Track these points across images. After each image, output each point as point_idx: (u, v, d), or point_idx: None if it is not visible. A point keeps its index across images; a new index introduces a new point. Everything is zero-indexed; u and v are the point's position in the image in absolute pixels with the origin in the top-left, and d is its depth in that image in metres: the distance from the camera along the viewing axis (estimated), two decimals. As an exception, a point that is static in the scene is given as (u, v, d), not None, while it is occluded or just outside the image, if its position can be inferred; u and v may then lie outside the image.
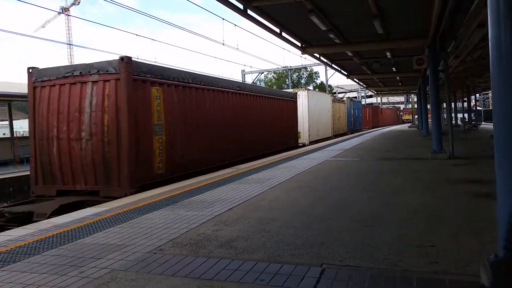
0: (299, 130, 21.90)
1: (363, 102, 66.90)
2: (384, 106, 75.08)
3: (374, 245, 3.73)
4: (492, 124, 2.97)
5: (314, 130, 25.37)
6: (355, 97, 67.63)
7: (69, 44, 68.81)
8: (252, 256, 3.60)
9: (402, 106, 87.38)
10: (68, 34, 73.24)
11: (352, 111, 37.81)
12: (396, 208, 5.26)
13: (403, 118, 76.65)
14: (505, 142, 2.70)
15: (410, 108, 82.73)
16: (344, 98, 37.35)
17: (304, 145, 21.97)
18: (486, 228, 4.07)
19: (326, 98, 30.28)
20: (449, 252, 3.47)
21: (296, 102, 21.31)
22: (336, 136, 29.91)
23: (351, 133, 33.39)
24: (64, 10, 62.18)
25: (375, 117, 50.60)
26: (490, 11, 2.74)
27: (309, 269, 3.23)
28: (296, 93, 22.38)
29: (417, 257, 3.37)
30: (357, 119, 40.10)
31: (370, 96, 73.06)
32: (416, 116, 41.87)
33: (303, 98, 23.87)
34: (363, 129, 41.25)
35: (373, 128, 44.94)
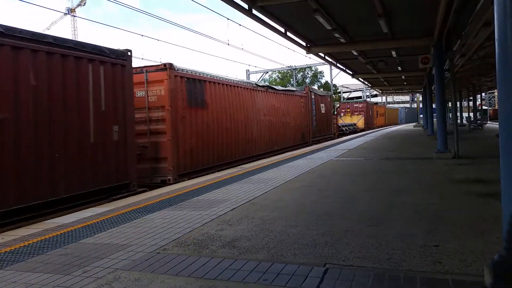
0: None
1: (369, 100, 53.20)
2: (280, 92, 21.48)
3: (378, 245, 3.71)
4: (497, 123, 2.94)
5: None
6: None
7: (75, 45, 68.87)
8: (255, 256, 3.59)
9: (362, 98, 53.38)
10: (74, 35, 73.45)
11: None
12: (400, 207, 5.24)
13: (340, 123, 34.91)
14: (510, 141, 2.67)
15: (358, 102, 45.12)
16: None
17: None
18: (490, 228, 4.04)
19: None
20: (452, 252, 3.44)
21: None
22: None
23: None
24: (70, 11, 62.31)
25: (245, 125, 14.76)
26: (497, 9, 2.71)
27: (312, 268, 3.22)
28: None
29: (421, 257, 3.35)
30: None
31: (375, 95, 71.23)
32: (421, 116, 40.86)
33: None
34: None
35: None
